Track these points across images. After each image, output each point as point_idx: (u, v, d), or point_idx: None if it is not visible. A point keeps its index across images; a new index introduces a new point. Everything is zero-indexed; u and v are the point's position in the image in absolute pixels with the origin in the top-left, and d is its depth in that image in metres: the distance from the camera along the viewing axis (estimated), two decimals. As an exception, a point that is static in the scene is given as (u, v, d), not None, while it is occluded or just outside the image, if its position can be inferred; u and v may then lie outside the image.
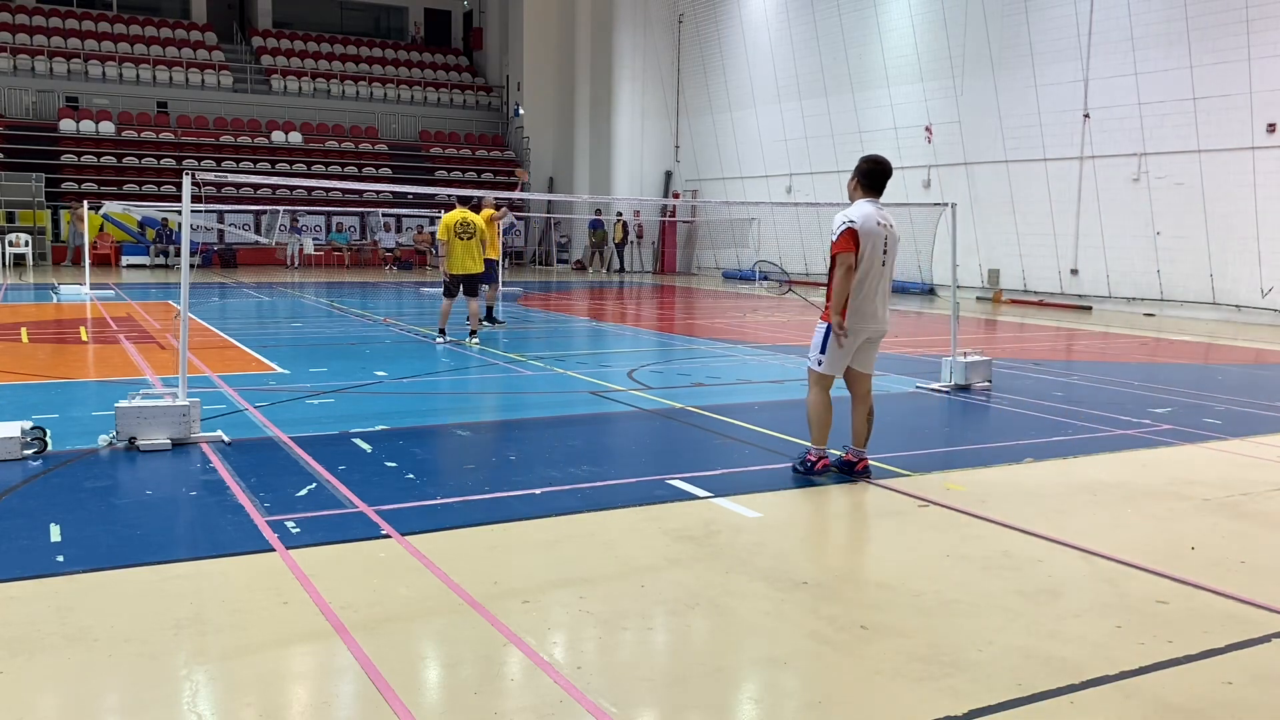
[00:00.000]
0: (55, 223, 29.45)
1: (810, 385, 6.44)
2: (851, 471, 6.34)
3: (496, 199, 15.00)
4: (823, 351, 6.29)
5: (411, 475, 6.20)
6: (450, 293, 13.07)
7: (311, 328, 15.28)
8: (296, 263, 31.16)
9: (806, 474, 6.26)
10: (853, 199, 6.42)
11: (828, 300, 6.28)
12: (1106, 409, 8.90)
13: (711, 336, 14.67)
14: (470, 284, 13.06)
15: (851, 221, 6.15)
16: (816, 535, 5.20)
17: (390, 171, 35.38)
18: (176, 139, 33.22)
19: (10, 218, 29.00)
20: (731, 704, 3.44)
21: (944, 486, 6.16)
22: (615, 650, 3.83)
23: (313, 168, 34.20)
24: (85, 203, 22.59)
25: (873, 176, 6.34)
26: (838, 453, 6.46)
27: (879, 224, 6.20)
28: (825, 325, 6.27)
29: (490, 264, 14.50)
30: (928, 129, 24.27)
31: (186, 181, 7.13)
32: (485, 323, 14.73)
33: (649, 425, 8.12)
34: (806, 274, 28.17)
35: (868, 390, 6.46)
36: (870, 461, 6.43)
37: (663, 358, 12.62)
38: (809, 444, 6.43)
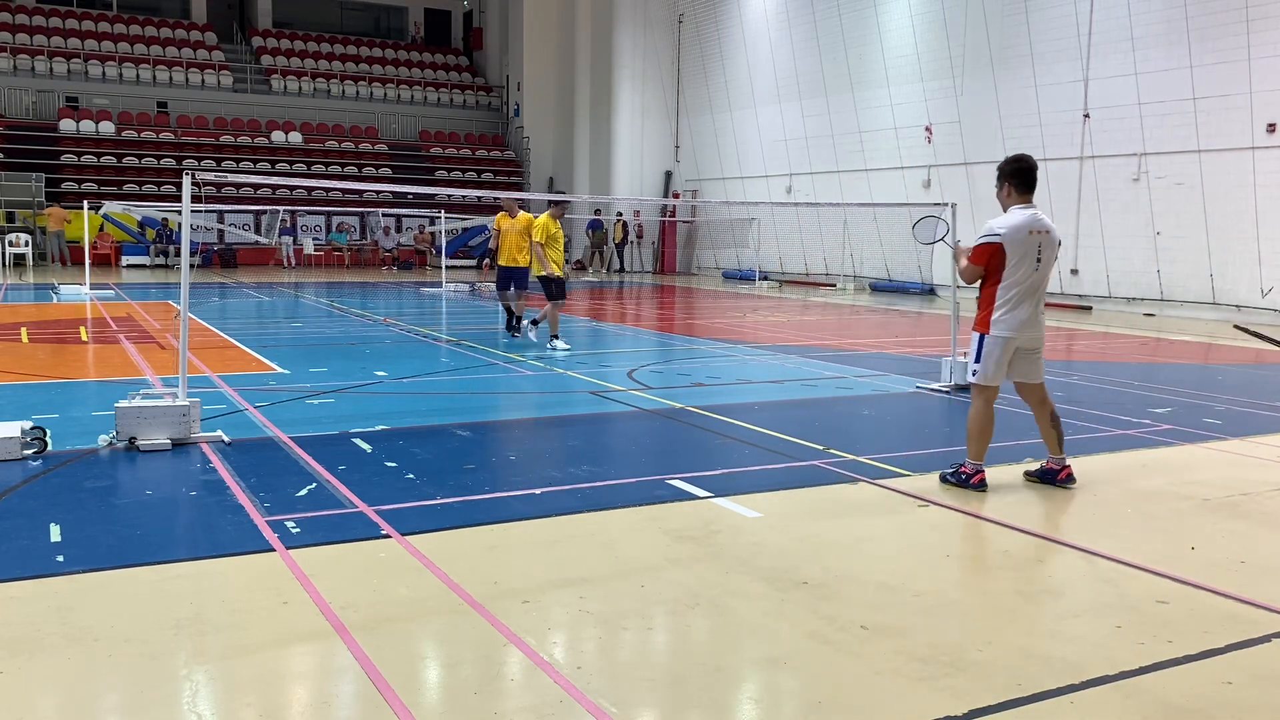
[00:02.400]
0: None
1: (973, 398, 6.27)
2: (1054, 481, 6.20)
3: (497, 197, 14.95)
4: (978, 361, 6.14)
5: (411, 475, 6.20)
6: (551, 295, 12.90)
7: (311, 328, 15.27)
8: (292, 263, 31.16)
9: (960, 485, 6.08)
10: (1005, 205, 6.14)
11: (980, 311, 6.15)
12: (1106, 409, 8.90)
13: (711, 336, 14.67)
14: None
15: (996, 235, 5.95)
16: (816, 535, 5.20)
17: (390, 171, 35.38)
18: (176, 139, 33.22)
19: (10, 218, 28.99)
20: (731, 704, 3.44)
21: (944, 486, 6.15)
22: (615, 650, 3.83)
23: (313, 168, 34.20)
24: (85, 203, 22.51)
25: (1021, 176, 6.03)
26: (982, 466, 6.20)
27: (1032, 232, 5.95)
28: (979, 335, 6.12)
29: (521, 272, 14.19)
30: (928, 129, 24.27)
31: (186, 181, 7.14)
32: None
33: (649, 425, 8.12)
34: (807, 274, 28.24)
35: (1042, 397, 6.27)
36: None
37: (663, 358, 12.62)
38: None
